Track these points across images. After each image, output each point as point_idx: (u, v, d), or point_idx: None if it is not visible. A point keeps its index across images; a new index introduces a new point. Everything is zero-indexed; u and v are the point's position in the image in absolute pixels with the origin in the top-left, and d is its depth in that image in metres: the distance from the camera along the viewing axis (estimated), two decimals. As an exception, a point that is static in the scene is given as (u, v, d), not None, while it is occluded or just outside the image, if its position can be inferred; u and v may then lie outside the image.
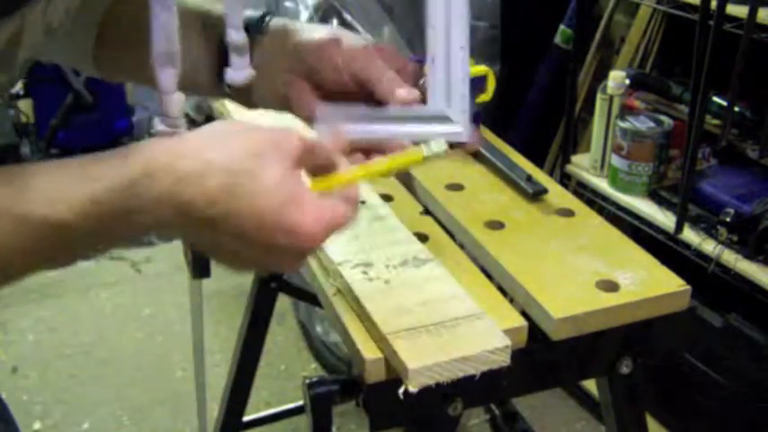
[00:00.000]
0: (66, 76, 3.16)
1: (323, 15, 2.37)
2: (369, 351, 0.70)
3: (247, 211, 0.57)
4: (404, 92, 0.71)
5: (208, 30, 0.78)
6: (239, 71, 0.75)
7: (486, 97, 1.23)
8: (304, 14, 2.39)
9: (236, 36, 0.73)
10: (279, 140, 0.60)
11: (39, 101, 3.37)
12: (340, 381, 0.74)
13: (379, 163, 0.66)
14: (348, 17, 2.35)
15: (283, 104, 0.76)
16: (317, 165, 0.63)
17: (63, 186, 0.55)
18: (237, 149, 0.58)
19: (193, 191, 0.56)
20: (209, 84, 0.79)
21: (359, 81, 0.73)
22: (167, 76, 0.66)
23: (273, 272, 0.59)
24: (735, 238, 1.60)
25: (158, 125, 0.68)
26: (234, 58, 0.75)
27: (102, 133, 3.42)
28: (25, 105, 3.44)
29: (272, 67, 0.75)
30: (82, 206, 0.55)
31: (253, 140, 0.59)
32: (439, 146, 0.66)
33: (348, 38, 0.75)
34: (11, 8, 0.60)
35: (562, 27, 2.34)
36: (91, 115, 3.26)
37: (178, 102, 0.67)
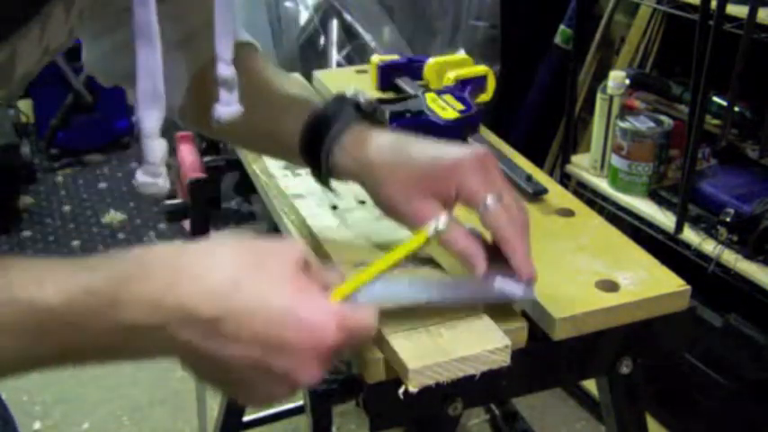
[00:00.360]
0: (66, 76, 3.16)
1: (323, 15, 2.38)
2: (368, 351, 0.70)
3: (252, 306, 0.54)
4: (532, 272, 0.71)
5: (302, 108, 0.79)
6: (227, 107, 0.72)
7: (486, 97, 1.23)
8: (304, 14, 2.39)
9: (225, 70, 0.70)
10: (282, 247, 0.59)
11: (39, 101, 3.37)
12: (340, 380, 0.74)
13: (388, 256, 0.66)
14: (348, 17, 2.35)
15: (390, 208, 0.74)
16: (321, 281, 0.61)
17: (54, 270, 0.53)
18: (240, 252, 0.57)
19: (193, 288, 0.54)
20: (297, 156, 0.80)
21: (493, 234, 0.71)
22: (151, 119, 0.63)
23: (293, 388, 0.58)
24: (735, 238, 1.60)
25: (139, 176, 0.65)
26: (222, 94, 0.71)
27: (102, 133, 3.43)
28: (25, 105, 3.44)
29: (388, 173, 0.73)
30: (69, 292, 0.52)
31: (256, 245, 0.58)
32: (443, 224, 0.66)
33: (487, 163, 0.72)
34: None
35: (562, 27, 2.35)
36: (91, 115, 3.27)
37: (160, 148, 0.64)
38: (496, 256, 0.71)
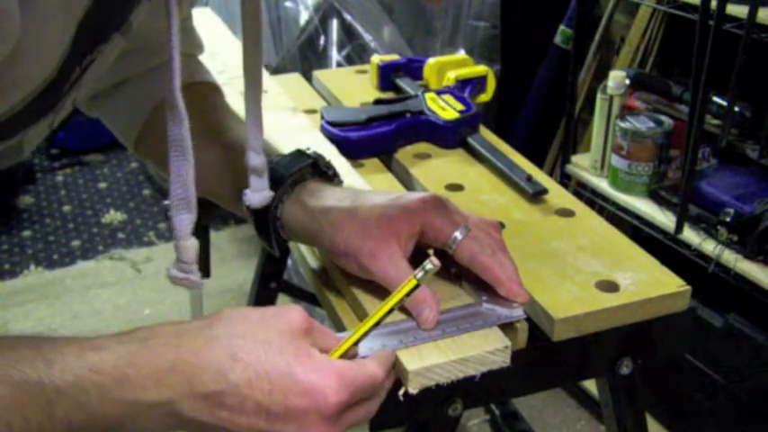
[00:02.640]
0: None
1: (323, 15, 2.37)
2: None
3: (252, 376, 0.56)
4: (522, 295, 0.71)
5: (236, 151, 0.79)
6: (257, 193, 0.75)
7: (486, 97, 1.23)
8: (304, 14, 2.39)
9: (255, 159, 0.74)
10: (279, 313, 0.60)
11: (39, 101, 3.37)
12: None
13: (379, 309, 0.65)
14: (348, 17, 2.35)
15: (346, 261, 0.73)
16: (321, 345, 0.62)
17: (62, 351, 0.54)
18: (237, 323, 0.59)
19: (194, 363, 0.56)
20: (231, 201, 0.80)
21: (471, 268, 0.71)
22: (183, 222, 0.67)
23: None
24: (735, 238, 1.60)
25: (172, 270, 0.69)
26: (253, 180, 0.75)
27: (102, 133, 3.42)
28: (25, 105, 3.44)
29: (343, 225, 0.72)
30: (76, 372, 0.53)
31: (254, 314, 0.60)
32: (432, 263, 0.65)
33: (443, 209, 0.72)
34: (11, 135, 0.61)
35: (562, 27, 2.34)
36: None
37: (192, 248, 0.68)
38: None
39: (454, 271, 0.76)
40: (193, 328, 0.59)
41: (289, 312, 0.61)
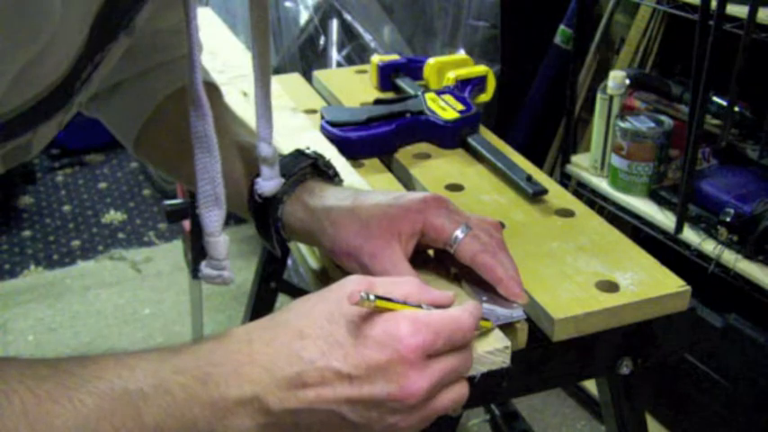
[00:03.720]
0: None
1: (323, 15, 2.37)
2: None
3: (323, 349, 0.56)
4: (522, 295, 0.71)
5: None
6: (269, 181, 0.74)
7: (486, 97, 1.23)
8: (304, 14, 2.39)
9: (266, 149, 0.73)
10: (335, 287, 0.60)
11: (39, 101, 3.37)
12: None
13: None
14: (348, 17, 2.35)
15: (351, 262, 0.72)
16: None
17: (142, 357, 0.54)
18: (297, 305, 0.59)
19: (269, 352, 0.56)
20: (233, 202, 0.79)
21: (472, 266, 0.71)
22: (213, 219, 0.66)
23: (411, 412, 0.57)
24: (735, 238, 1.60)
25: (204, 269, 0.68)
26: (264, 169, 0.74)
27: (102, 133, 3.42)
28: (25, 105, 3.44)
29: (345, 227, 0.72)
30: (159, 375, 0.53)
31: (311, 295, 0.60)
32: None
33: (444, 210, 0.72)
34: (21, 132, 0.61)
35: (562, 27, 2.35)
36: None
37: (224, 244, 0.67)
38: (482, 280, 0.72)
39: (454, 272, 0.76)
40: (262, 322, 0.59)
41: (346, 282, 0.60)
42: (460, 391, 0.61)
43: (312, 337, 0.56)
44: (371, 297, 0.56)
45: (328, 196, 0.75)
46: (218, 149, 0.79)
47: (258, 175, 0.74)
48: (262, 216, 0.77)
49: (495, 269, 0.70)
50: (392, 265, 0.70)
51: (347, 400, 0.55)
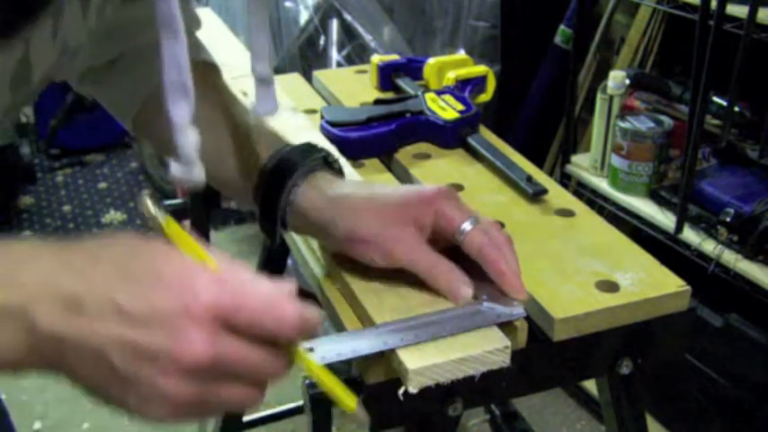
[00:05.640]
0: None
1: (323, 15, 2.38)
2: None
3: (113, 276, 0.50)
4: (523, 292, 0.71)
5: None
6: (264, 101, 0.73)
7: (486, 97, 1.23)
8: (304, 14, 2.39)
9: (260, 69, 0.71)
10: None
11: (39, 101, 3.37)
12: (339, 381, 0.74)
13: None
14: (348, 17, 2.35)
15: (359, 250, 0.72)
16: None
17: None
18: (105, 236, 0.54)
19: (52, 262, 0.50)
20: (236, 186, 0.78)
21: (476, 258, 0.71)
22: (180, 110, 0.61)
23: (180, 372, 0.49)
24: (735, 238, 1.60)
25: (174, 169, 0.63)
26: (260, 90, 0.72)
27: (102, 133, 3.43)
28: (25, 105, 3.45)
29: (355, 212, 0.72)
30: None
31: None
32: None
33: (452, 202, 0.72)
34: (9, 33, 0.57)
35: (562, 27, 2.35)
36: (91, 115, 3.27)
37: (193, 139, 0.62)
38: (484, 277, 0.72)
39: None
40: (58, 241, 0.52)
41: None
42: (253, 395, 0.53)
43: (106, 262, 0.50)
44: (161, 212, 0.51)
45: (343, 185, 0.75)
46: (225, 132, 0.76)
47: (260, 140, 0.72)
48: (269, 201, 0.75)
49: (498, 262, 0.70)
50: (418, 248, 0.70)
51: (120, 341, 0.48)
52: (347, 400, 0.55)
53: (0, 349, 0.49)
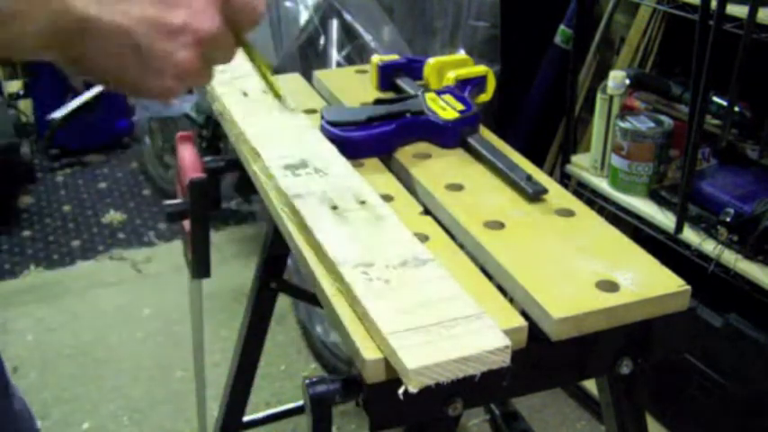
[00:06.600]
0: (65, 77, 3.16)
1: (323, 15, 2.37)
2: (369, 351, 0.69)
3: None
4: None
5: None
6: None
7: (486, 97, 1.23)
8: (304, 14, 2.39)
9: None
10: None
11: (39, 101, 3.38)
12: (340, 381, 0.74)
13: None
14: (348, 17, 2.35)
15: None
16: None
17: None
18: None
19: None
20: None
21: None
22: None
23: (197, 45, 0.60)
24: (735, 238, 1.60)
25: None
26: None
27: (102, 133, 3.43)
28: (25, 105, 3.45)
29: None
30: None
31: None
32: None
33: None
34: None
35: (562, 27, 2.35)
36: (91, 115, 3.27)
37: None
38: None
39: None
40: None
41: None
42: (212, 74, 0.64)
43: None
44: None
45: None
46: None
47: None
48: None
49: None
50: None
51: (149, 20, 0.56)
52: (276, 88, 0.79)
53: (29, 32, 0.52)
